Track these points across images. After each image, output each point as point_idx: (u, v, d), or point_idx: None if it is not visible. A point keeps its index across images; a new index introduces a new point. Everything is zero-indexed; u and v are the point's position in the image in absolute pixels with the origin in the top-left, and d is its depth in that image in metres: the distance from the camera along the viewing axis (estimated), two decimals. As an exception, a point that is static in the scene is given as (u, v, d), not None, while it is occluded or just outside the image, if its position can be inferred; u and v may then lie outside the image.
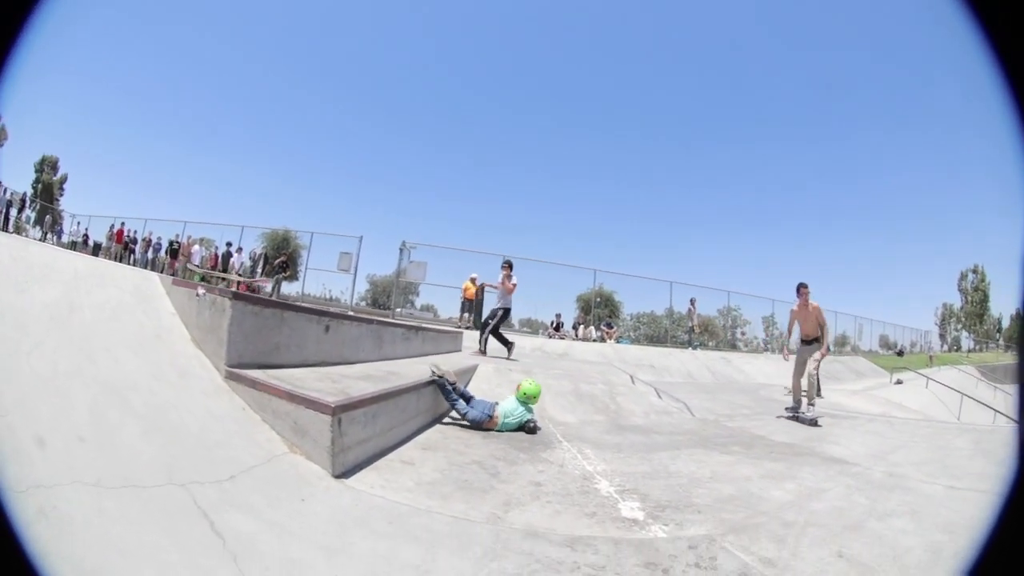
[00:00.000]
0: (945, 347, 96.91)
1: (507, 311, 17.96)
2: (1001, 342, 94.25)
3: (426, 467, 6.57)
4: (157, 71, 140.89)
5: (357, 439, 6.32)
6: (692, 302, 35.06)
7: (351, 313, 13.33)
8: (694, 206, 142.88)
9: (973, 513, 5.10)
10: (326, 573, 3.80)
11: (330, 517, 4.70)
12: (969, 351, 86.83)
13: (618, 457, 7.78)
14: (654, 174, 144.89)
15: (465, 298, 29.49)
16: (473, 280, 28.91)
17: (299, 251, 39.27)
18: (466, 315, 29.58)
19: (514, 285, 17.62)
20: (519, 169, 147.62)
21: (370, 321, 11.82)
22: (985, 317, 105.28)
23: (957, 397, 22.08)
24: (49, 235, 44.70)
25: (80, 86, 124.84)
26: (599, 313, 35.87)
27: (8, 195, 41.29)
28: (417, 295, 41.34)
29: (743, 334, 43.92)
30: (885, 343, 62.98)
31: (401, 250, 30.34)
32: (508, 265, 17.87)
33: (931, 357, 47.93)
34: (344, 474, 5.80)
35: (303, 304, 9.35)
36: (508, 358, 16.50)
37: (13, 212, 42.33)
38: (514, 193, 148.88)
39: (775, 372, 25.19)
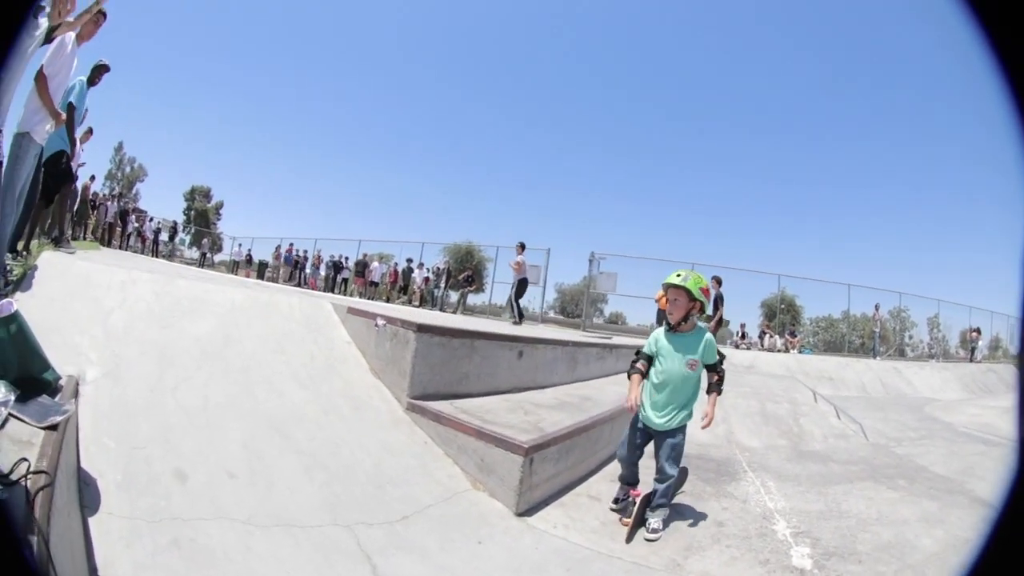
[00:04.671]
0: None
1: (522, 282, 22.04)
2: None
3: (613, 503, 6.03)
4: (335, 87, 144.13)
5: (546, 476, 5.78)
6: (877, 307, 33.71)
7: (542, 334, 12.88)
8: (866, 202, 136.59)
9: None
10: (487, 631, 3.33)
11: (506, 563, 4.34)
12: None
13: (798, 492, 7.32)
14: (829, 172, 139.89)
15: (661, 308, 26.86)
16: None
17: (484, 264, 38.73)
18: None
19: (518, 264, 22.01)
20: (702, 175, 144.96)
21: (564, 343, 10.92)
22: None
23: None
24: (208, 255, 46.94)
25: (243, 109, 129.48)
26: (783, 320, 34.87)
27: (157, 224, 43.40)
28: (606, 303, 39.75)
29: (911, 338, 42.04)
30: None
31: (590, 261, 29.02)
32: (520, 247, 22.39)
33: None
34: (528, 511, 5.34)
35: (495, 331, 8.99)
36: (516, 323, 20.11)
37: (164, 237, 44.56)
38: (698, 198, 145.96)
39: (939, 384, 24.06)
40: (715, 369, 5.73)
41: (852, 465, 9.02)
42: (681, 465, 6.01)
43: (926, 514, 6.60)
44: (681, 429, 5.62)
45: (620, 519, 5.51)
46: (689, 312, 5.65)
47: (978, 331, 38.17)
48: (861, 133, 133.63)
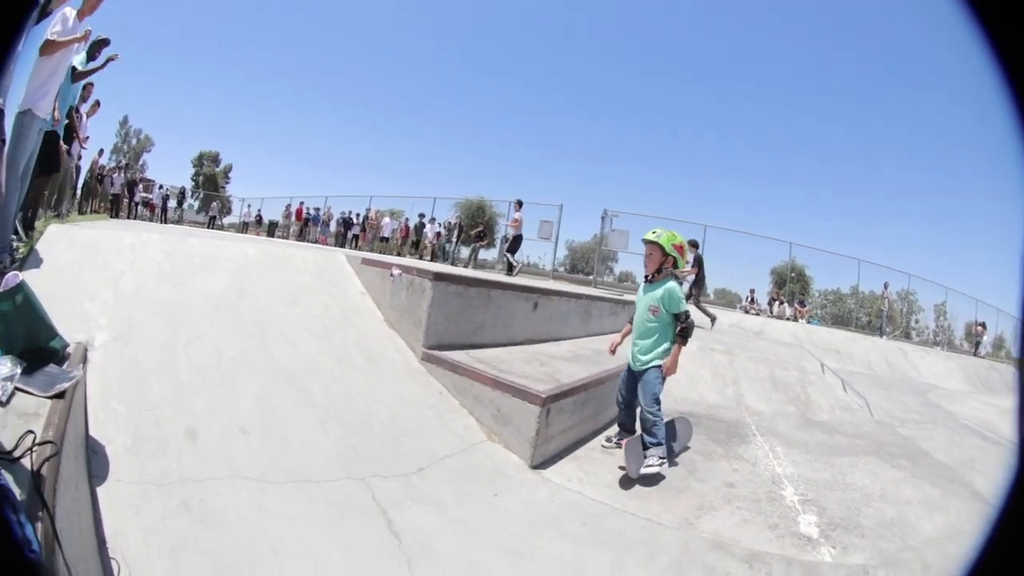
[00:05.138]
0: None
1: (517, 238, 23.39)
2: None
3: (626, 458, 6.22)
4: (337, 44, 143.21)
5: (562, 428, 5.85)
6: (885, 286, 33.43)
7: (555, 286, 12.97)
8: (880, 179, 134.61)
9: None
10: (507, 581, 3.40)
11: (522, 516, 4.37)
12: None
13: (805, 459, 7.46)
14: (849, 149, 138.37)
15: None
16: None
17: (495, 219, 38.18)
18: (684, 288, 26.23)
19: (515, 221, 23.33)
20: (719, 141, 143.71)
21: (579, 296, 11.19)
22: None
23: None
24: (217, 219, 47.02)
25: (250, 73, 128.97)
26: (792, 289, 34.63)
27: (165, 190, 43.53)
28: (616, 261, 39.44)
29: (917, 322, 41.89)
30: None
31: (603, 218, 28.77)
32: (518, 204, 23.89)
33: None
34: (542, 464, 5.40)
35: (511, 281, 9.21)
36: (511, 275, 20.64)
37: (172, 204, 44.29)
38: (715, 164, 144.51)
39: (943, 372, 23.97)
40: (679, 319, 6.02)
41: (858, 439, 9.26)
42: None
43: (927, 498, 6.72)
44: (650, 370, 5.95)
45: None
46: (662, 265, 6.15)
47: (983, 326, 37.80)
48: (878, 114, 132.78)
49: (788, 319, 29.49)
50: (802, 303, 32.48)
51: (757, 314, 29.59)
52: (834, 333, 25.68)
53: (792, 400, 10.94)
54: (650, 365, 5.94)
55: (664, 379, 5.97)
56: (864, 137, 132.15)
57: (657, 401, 5.86)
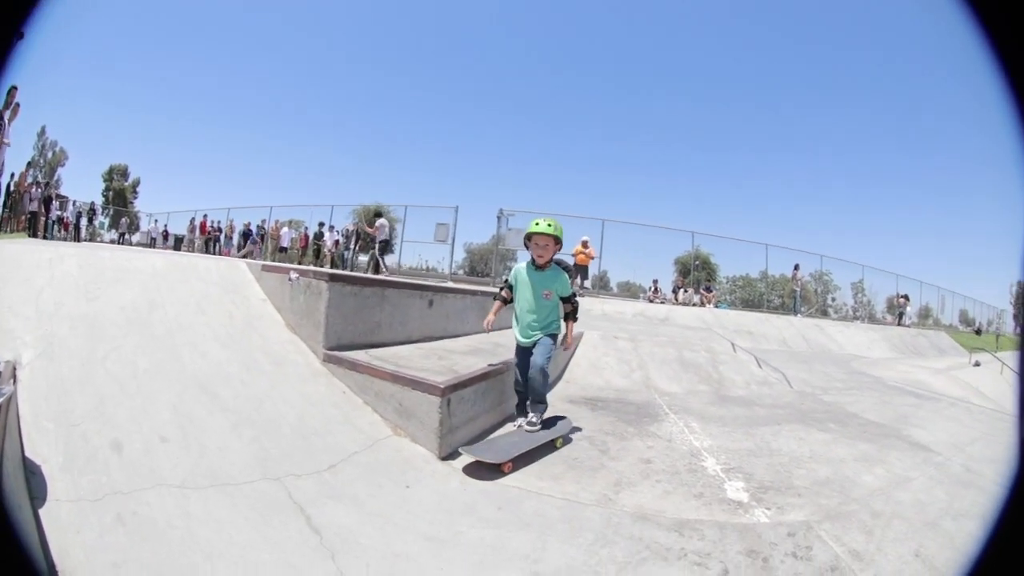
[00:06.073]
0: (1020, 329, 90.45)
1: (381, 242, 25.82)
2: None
3: (536, 443, 6.23)
4: (232, 57, 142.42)
5: (465, 418, 5.98)
6: (796, 267, 33.99)
7: (451, 284, 13.10)
8: (788, 167, 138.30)
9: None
10: (432, 568, 3.54)
11: (437, 505, 4.47)
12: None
13: (723, 431, 7.51)
14: (750, 137, 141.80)
15: (576, 263, 27.28)
16: (585, 244, 27.43)
17: (393, 224, 36.91)
18: (578, 280, 26.64)
19: (375, 228, 25.85)
20: (613, 133, 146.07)
21: (474, 293, 11.45)
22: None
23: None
24: (126, 236, 46.37)
25: (146, 88, 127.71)
26: (697, 276, 35.09)
27: (77, 207, 42.26)
28: (515, 261, 38.97)
29: (833, 300, 42.74)
30: (964, 319, 57.84)
31: (499, 218, 29.83)
32: (376, 214, 26.49)
33: (978, 331, 46.14)
34: (451, 455, 5.49)
35: (405, 280, 9.36)
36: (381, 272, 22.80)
37: (84, 221, 43.07)
38: (610, 157, 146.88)
39: (865, 343, 24.46)
40: (569, 300, 6.71)
41: (778, 409, 9.40)
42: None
43: (864, 454, 6.87)
44: (544, 337, 6.48)
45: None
46: (554, 253, 6.59)
47: (906, 297, 39.11)
48: (776, 94, 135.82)
49: (695, 305, 29.89)
50: (708, 289, 33.06)
51: (662, 303, 30.03)
52: (745, 315, 26.34)
53: (704, 379, 11.10)
54: (544, 334, 6.46)
55: (552, 351, 6.47)
56: (764, 125, 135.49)
57: (548, 363, 6.36)
